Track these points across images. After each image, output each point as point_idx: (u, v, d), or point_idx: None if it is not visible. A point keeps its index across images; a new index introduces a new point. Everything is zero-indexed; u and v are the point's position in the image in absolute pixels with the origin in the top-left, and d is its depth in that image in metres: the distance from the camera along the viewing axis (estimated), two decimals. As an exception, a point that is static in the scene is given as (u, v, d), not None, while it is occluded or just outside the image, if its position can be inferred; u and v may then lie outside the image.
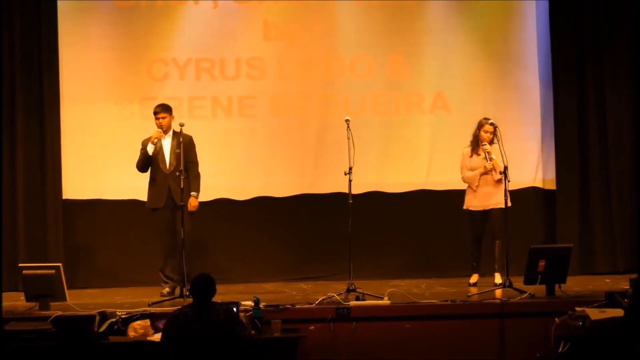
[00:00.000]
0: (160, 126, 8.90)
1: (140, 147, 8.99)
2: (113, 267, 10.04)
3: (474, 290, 8.79)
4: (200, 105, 10.20)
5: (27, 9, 9.91)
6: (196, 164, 9.02)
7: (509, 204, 8.76)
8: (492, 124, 9.01)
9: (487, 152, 9.01)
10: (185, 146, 8.79)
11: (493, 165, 9.00)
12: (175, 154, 8.87)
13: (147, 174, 9.05)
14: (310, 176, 10.34)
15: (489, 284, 9.00)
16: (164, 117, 8.93)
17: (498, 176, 8.97)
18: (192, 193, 8.91)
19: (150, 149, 8.89)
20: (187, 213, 8.79)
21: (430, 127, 10.45)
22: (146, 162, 8.94)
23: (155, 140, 8.88)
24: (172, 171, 8.86)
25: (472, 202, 9.16)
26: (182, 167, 8.60)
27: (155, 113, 8.98)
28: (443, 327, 7.85)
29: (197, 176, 9.00)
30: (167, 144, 8.95)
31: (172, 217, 8.89)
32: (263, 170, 10.29)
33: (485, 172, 9.07)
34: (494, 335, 7.85)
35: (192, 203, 8.91)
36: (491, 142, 9.06)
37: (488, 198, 9.09)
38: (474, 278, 9.18)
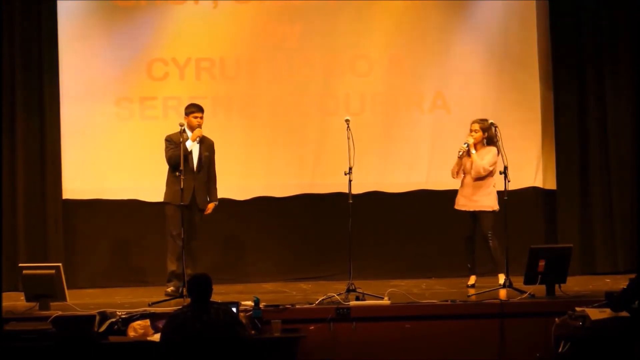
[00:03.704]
0: (199, 125, 8.87)
1: (167, 143, 8.89)
2: (113, 267, 10.04)
3: (472, 291, 8.78)
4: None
5: (27, 9, 9.90)
6: (215, 171, 9.06)
7: (497, 207, 8.82)
8: (492, 124, 8.97)
9: (467, 145, 8.93)
10: (210, 151, 8.91)
11: (472, 161, 8.89)
12: (204, 156, 8.88)
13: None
14: (310, 176, 10.34)
15: (490, 284, 8.99)
16: (202, 117, 8.93)
17: (473, 174, 8.93)
18: (214, 201, 8.97)
19: (190, 145, 8.83)
20: (201, 217, 8.90)
21: (430, 126, 10.45)
22: (182, 158, 8.79)
23: (198, 139, 8.84)
24: (198, 172, 8.84)
25: (459, 202, 9.15)
26: (182, 167, 8.59)
27: (191, 112, 8.91)
28: (443, 327, 7.86)
29: (215, 183, 9.04)
30: (195, 144, 8.93)
31: (191, 217, 8.86)
32: (263, 170, 10.29)
33: (462, 156, 8.97)
34: (494, 335, 7.86)
35: (210, 207, 8.98)
36: (490, 143, 9.02)
37: (471, 199, 9.02)
38: (472, 280, 9.16)
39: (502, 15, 10.53)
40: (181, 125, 8.78)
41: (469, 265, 9.20)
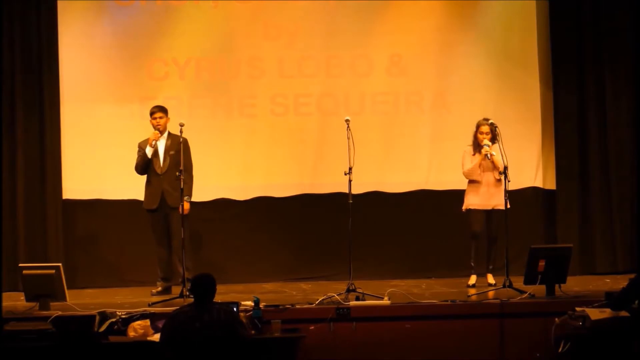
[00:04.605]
0: (157, 127, 8.94)
1: (137, 149, 9.05)
2: (113, 267, 10.04)
3: (473, 291, 8.80)
4: (200, 105, 10.20)
5: (27, 9, 9.91)
6: (190, 167, 9.01)
7: (508, 205, 8.80)
8: (491, 124, 9.02)
9: (488, 146, 8.99)
10: (177, 149, 8.85)
11: (493, 161, 9.00)
12: (169, 156, 8.90)
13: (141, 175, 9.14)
14: (310, 176, 10.34)
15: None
16: (161, 117, 8.99)
17: (499, 175, 8.99)
18: (185, 197, 8.84)
19: (149, 151, 8.93)
20: (177, 216, 8.87)
21: (430, 127, 10.45)
22: (146, 165, 8.99)
23: (154, 142, 8.91)
24: (165, 172, 8.88)
25: (473, 201, 9.16)
26: (182, 167, 8.61)
27: (152, 113, 9.03)
28: (443, 327, 7.85)
29: (190, 180, 8.98)
30: (161, 145, 9.01)
31: (166, 219, 8.93)
32: (263, 170, 10.29)
33: (485, 159, 9.03)
34: (494, 335, 7.85)
35: (186, 207, 8.91)
36: (492, 142, 9.08)
37: (489, 198, 9.11)
38: (473, 279, 9.20)
39: (502, 15, 10.52)
40: (181, 125, 8.79)
41: (472, 264, 9.21)
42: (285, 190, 10.31)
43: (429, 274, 10.10)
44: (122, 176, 9.95)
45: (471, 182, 9.20)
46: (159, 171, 8.98)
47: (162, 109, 9.04)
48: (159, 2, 10.20)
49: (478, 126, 9.14)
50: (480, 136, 9.09)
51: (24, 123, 9.90)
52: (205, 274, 6.41)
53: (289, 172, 10.32)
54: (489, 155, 8.99)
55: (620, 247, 10.36)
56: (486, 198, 9.12)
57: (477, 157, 9.11)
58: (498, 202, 9.01)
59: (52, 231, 9.88)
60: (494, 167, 9.05)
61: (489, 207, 9.12)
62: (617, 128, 10.44)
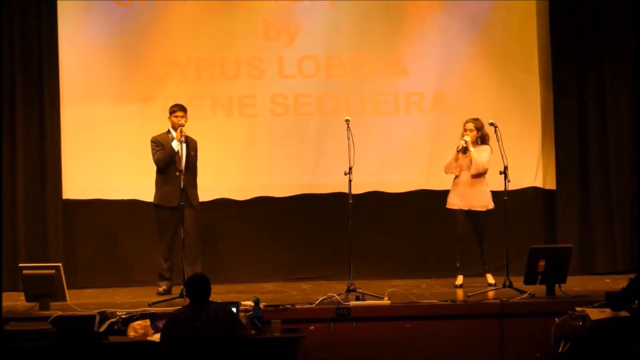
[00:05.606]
0: (180, 125, 8.90)
1: (154, 144, 8.99)
2: (113, 267, 10.04)
3: (460, 292, 8.80)
4: (200, 105, 10.19)
5: (27, 9, 9.91)
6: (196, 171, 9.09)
7: (492, 205, 8.83)
8: (491, 124, 8.99)
9: (465, 142, 9.03)
10: (195, 150, 8.94)
11: (471, 157, 8.98)
12: (191, 156, 8.90)
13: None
14: (310, 176, 10.34)
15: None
16: (183, 115, 8.98)
17: (473, 171, 8.99)
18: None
19: (176, 145, 8.89)
20: (194, 214, 8.91)
21: (430, 127, 10.45)
22: (171, 160, 8.92)
23: (183, 139, 8.86)
24: (186, 172, 8.86)
25: (453, 201, 9.20)
26: (181, 167, 8.61)
27: (173, 112, 8.97)
28: (443, 327, 7.86)
29: (196, 184, 9.09)
30: (182, 144, 8.94)
31: (180, 216, 8.89)
32: (263, 170, 10.30)
33: (460, 151, 9.04)
34: (494, 335, 7.86)
35: None
36: (483, 142, 9.10)
37: (466, 198, 9.11)
38: (460, 279, 9.20)
39: (502, 15, 10.53)
40: (181, 125, 8.79)
41: (457, 265, 9.22)
42: (285, 190, 10.31)
43: (429, 274, 10.10)
44: (122, 176, 9.97)
45: (454, 179, 9.20)
46: (181, 169, 8.92)
47: (183, 108, 9.00)
48: (159, 2, 10.21)
49: (464, 124, 9.18)
50: (464, 133, 9.12)
51: (24, 123, 9.90)
52: (198, 274, 6.43)
53: (289, 172, 10.33)
54: (459, 148, 9.01)
55: (620, 247, 10.37)
56: (463, 198, 9.14)
57: (461, 156, 9.13)
58: (475, 203, 9.06)
59: (52, 231, 9.88)
60: (471, 165, 9.06)
61: (466, 208, 9.13)
62: (617, 128, 10.45)
